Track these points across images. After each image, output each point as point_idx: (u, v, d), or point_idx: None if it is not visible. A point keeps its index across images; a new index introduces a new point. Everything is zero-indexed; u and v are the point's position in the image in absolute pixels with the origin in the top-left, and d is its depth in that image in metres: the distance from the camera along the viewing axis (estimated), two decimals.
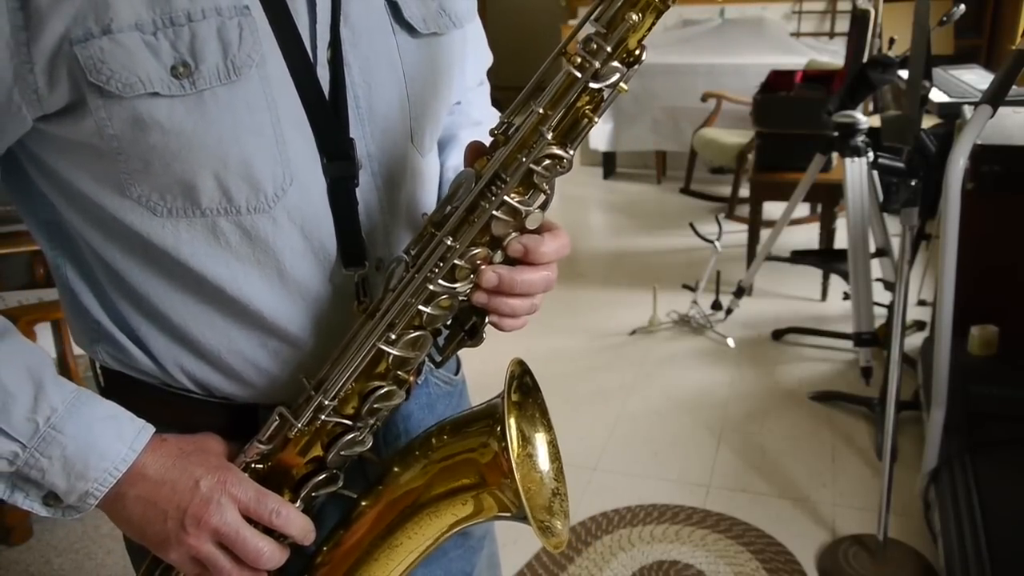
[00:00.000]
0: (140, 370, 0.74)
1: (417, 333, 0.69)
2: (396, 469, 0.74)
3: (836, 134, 2.78)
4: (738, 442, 2.58)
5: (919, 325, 3.02)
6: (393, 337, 0.68)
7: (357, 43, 0.70)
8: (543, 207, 0.68)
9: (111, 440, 0.66)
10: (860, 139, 2.75)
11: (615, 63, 0.63)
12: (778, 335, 3.22)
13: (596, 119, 0.65)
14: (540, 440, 0.75)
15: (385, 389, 0.70)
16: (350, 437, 0.71)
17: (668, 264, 3.96)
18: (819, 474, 2.40)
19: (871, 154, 2.73)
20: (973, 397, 2.17)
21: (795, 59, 4.56)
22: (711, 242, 3.27)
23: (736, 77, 4.66)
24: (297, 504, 0.72)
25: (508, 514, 0.70)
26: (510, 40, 5.42)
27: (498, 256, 0.70)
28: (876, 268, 2.94)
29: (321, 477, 0.73)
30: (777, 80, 3.95)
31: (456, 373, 0.92)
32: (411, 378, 0.73)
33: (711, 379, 2.96)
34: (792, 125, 3.45)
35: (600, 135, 5.09)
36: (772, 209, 3.80)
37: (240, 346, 0.72)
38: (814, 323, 3.24)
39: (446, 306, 0.69)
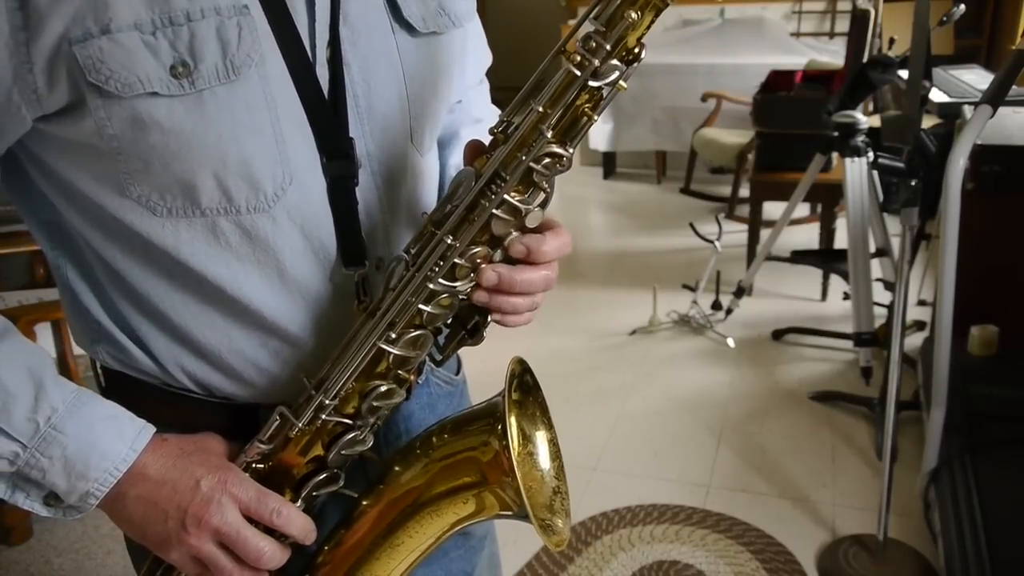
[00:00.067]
0: (141, 370, 0.74)
1: (418, 332, 0.69)
2: (397, 468, 0.74)
3: (836, 134, 2.78)
4: (738, 442, 2.58)
5: (919, 325, 3.02)
6: (393, 336, 0.68)
7: (356, 42, 0.70)
8: (543, 205, 0.68)
9: (112, 440, 0.66)
10: (860, 139, 2.75)
11: (614, 61, 0.63)
12: (778, 335, 3.22)
13: (596, 117, 0.65)
14: (541, 438, 0.75)
15: (385, 387, 0.70)
16: (351, 436, 0.71)
17: (668, 264, 3.96)
18: (819, 474, 2.40)
19: (871, 154, 2.73)
20: (973, 397, 2.16)
21: (795, 59, 4.56)
22: (711, 242, 3.27)
23: (736, 77, 4.66)
24: (298, 504, 0.72)
25: (509, 513, 0.70)
26: (510, 40, 5.41)
27: (498, 255, 0.70)
28: (876, 268, 2.94)
29: (322, 476, 0.73)
30: (777, 80, 3.95)
31: (457, 373, 0.92)
32: (412, 377, 0.73)
33: (711, 379, 2.96)
34: (792, 125, 3.45)
35: (600, 135, 5.09)
36: (772, 209, 3.80)
37: (240, 346, 0.72)
38: (814, 323, 3.24)
39: (446, 305, 0.69)
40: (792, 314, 3.36)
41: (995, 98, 1.84)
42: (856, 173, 2.76)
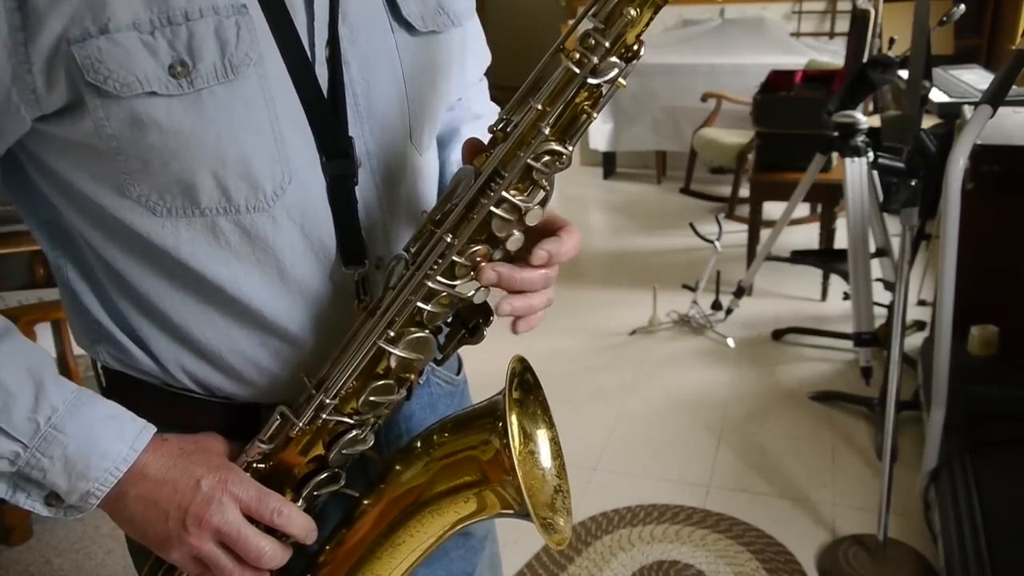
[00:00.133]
0: (141, 370, 0.74)
1: (417, 331, 0.69)
2: (398, 467, 0.74)
3: (836, 134, 2.78)
4: (738, 442, 2.58)
5: (919, 325, 3.02)
6: (393, 335, 0.68)
7: (355, 41, 0.70)
8: (543, 203, 0.68)
9: (112, 440, 0.66)
10: (860, 139, 2.75)
11: (613, 58, 0.63)
12: (778, 335, 3.22)
13: (595, 115, 0.65)
14: (542, 437, 0.75)
15: (383, 381, 0.70)
16: (352, 436, 0.71)
17: (668, 264, 3.96)
18: (819, 474, 2.40)
19: (871, 154, 2.73)
20: (973, 397, 2.16)
21: (795, 59, 4.55)
22: (711, 242, 3.27)
23: (736, 77, 4.66)
24: (299, 503, 0.72)
25: (510, 511, 0.70)
26: (509, 39, 5.40)
27: (498, 253, 0.69)
28: (876, 268, 2.94)
29: (323, 476, 0.73)
30: (777, 80, 3.95)
31: (458, 373, 0.92)
32: (412, 377, 0.73)
33: (711, 379, 2.96)
34: (792, 125, 3.45)
35: (600, 135, 5.09)
36: (772, 209, 3.80)
37: (241, 345, 0.72)
38: (814, 323, 3.24)
39: (446, 303, 0.69)
40: (792, 314, 3.36)
41: (995, 98, 1.84)
42: (856, 173, 2.76)
